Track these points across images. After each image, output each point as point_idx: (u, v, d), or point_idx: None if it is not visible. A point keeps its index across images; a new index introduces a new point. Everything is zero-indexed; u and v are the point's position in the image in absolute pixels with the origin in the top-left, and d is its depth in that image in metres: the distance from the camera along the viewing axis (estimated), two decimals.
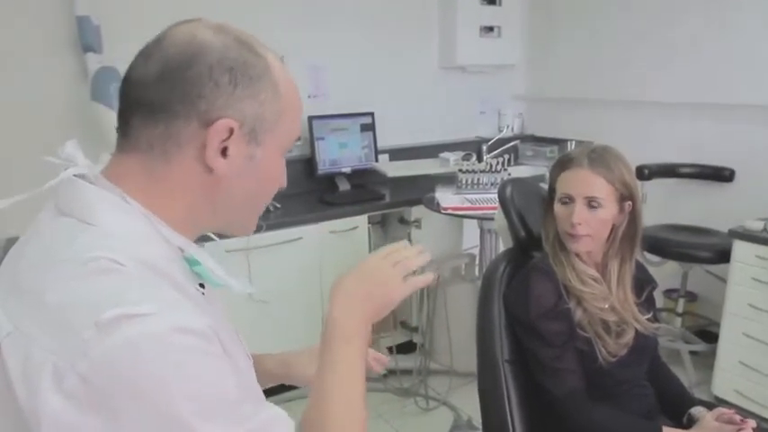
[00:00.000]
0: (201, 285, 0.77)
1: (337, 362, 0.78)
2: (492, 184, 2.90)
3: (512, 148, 3.46)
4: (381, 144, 3.42)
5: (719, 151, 3.10)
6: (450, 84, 3.84)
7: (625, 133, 3.48)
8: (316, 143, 3.18)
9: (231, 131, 0.70)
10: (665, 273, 2.93)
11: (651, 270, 1.66)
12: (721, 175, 3.09)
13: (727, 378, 2.68)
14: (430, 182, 3.13)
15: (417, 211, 3.09)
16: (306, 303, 2.83)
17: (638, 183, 1.51)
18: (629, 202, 1.46)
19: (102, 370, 0.55)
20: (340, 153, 3.28)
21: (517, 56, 3.93)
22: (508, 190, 1.70)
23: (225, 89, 0.69)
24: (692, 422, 1.48)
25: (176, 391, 0.56)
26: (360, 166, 3.34)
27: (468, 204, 2.74)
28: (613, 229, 1.49)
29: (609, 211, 1.44)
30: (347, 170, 3.30)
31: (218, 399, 0.60)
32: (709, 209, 3.15)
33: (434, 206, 2.78)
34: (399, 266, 0.85)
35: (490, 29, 3.72)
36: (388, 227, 3.37)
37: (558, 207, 1.50)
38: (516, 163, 3.79)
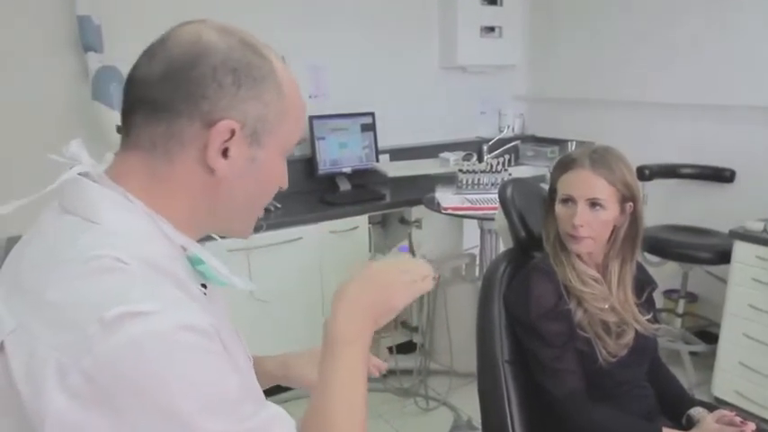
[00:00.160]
0: (203, 285, 0.77)
1: (339, 365, 0.78)
2: (492, 185, 2.90)
3: (512, 148, 3.46)
4: (382, 144, 3.42)
5: (720, 152, 3.10)
6: (451, 84, 3.84)
7: (626, 134, 3.48)
8: (316, 143, 3.18)
9: (233, 132, 0.70)
10: (666, 273, 2.93)
11: (651, 270, 1.66)
12: (722, 176, 3.09)
13: (727, 379, 2.68)
14: (430, 182, 3.13)
15: (418, 212, 3.09)
16: (306, 303, 2.83)
17: (639, 183, 1.51)
18: (631, 203, 1.46)
19: (106, 368, 0.55)
20: (340, 153, 3.28)
21: (518, 56, 3.93)
22: (509, 190, 1.70)
23: (228, 90, 0.69)
24: (691, 423, 1.48)
25: (178, 389, 0.57)
26: (360, 166, 3.34)
27: (469, 204, 2.74)
28: (614, 230, 1.48)
29: (610, 212, 1.44)
30: (348, 170, 3.30)
31: (220, 397, 0.60)
32: (709, 209, 3.15)
33: (435, 206, 2.78)
34: (403, 274, 0.85)
35: (491, 29, 3.72)
36: (388, 227, 3.37)
37: (559, 208, 1.50)
38: (517, 163, 3.79)
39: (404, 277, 0.85)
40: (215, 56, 0.69)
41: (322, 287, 2.86)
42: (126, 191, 0.69)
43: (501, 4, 3.70)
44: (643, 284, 1.58)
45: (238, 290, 0.80)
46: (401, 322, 3.33)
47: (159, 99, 0.68)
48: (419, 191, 3.09)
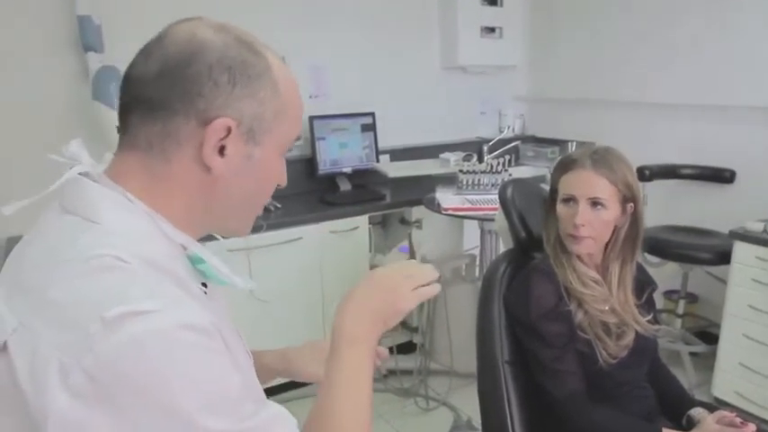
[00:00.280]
0: (204, 284, 0.77)
1: (345, 365, 0.78)
2: (493, 185, 2.90)
3: (513, 148, 3.46)
4: (382, 144, 3.42)
5: (720, 152, 3.10)
6: (452, 84, 3.84)
7: (626, 134, 3.48)
8: (316, 143, 3.18)
9: (229, 130, 0.70)
10: (666, 274, 2.93)
11: (651, 271, 1.66)
12: (722, 177, 3.09)
13: (728, 379, 2.68)
14: (431, 182, 3.13)
15: (418, 212, 3.09)
16: (306, 303, 2.83)
17: (640, 184, 1.51)
18: (631, 204, 1.46)
19: (107, 367, 0.55)
20: (341, 153, 3.28)
21: (518, 57, 3.93)
22: (509, 191, 1.70)
23: (224, 88, 0.69)
24: (691, 424, 1.48)
25: (179, 387, 0.57)
26: (360, 166, 3.34)
27: (469, 205, 2.73)
28: (615, 230, 1.48)
29: (612, 212, 1.44)
30: (348, 170, 3.30)
31: (221, 395, 0.60)
32: (709, 210, 3.15)
33: (435, 207, 2.78)
34: (409, 278, 0.86)
35: (491, 29, 3.72)
36: (388, 227, 3.37)
37: (560, 208, 1.50)
38: (517, 164, 3.79)
39: (409, 282, 0.85)
40: (210, 54, 0.69)
41: (322, 287, 2.86)
42: (126, 191, 0.69)
43: (501, 5, 3.71)
44: (643, 285, 1.58)
45: (239, 289, 0.80)
46: (401, 322, 3.32)
47: (155, 97, 0.69)
48: (419, 191, 3.09)
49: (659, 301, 3.30)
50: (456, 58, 3.65)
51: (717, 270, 2.97)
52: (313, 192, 3.21)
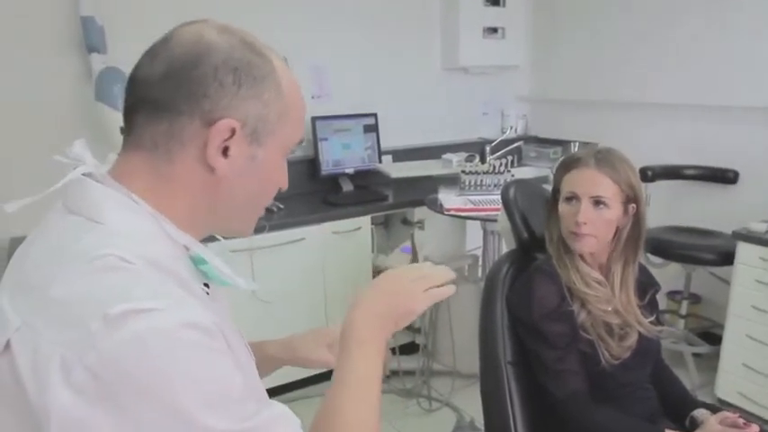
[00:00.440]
0: (206, 285, 0.78)
1: (354, 366, 0.78)
2: (495, 186, 2.90)
3: (515, 149, 3.46)
4: (384, 145, 3.42)
5: (723, 153, 3.09)
6: (454, 85, 3.84)
7: (629, 135, 3.48)
8: (319, 144, 3.18)
9: (233, 131, 0.70)
10: (669, 275, 2.93)
11: (654, 272, 1.66)
12: (725, 177, 3.08)
13: (731, 380, 2.67)
14: (433, 183, 3.13)
15: (420, 213, 3.09)
16: (309, 304, 2.83)
17: (642, 185, 1.51)
18: (634, 205, 1.46)
19: (110, 364, 0.55)
20: (343, 154, 3.28)
21: (521, 57, 3.93)
22: (511, 191, 1.70)
23: (229, 89, 0.70)
24: (694, 425, 1.48)
25: (181, 386, 0.57)
26: (363, 166, 3.34)
27: (472, 206, 2.73)
28: (617, 231, 1.48)
29: (614, 211, 1.44)
30: (350, 171, 3.30)
31: (222, 394, 0.60)
32: (712, 211, 3.15)
33: (437, 207, 2.78)
34: (422, 279, 0.86)
35: (494, 30, 3.72)
36: (391, 228, 3.37)
37: (562, 206, 1.50)
38: (519, 164, 3.79)
39: (422, 282, 0.85)
40: (216, 55, 0.70)
41: (325, 288, 2.86)
42: (131, 191, 0.70)
43: (503, 5, 3.70)
44: (646, 286, 1.57)
45: (241, 290, 0.80)
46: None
47: (161, 98, 0.69)
48: (422, 192, 3.09)
49: (662, 302, 3.30)
50: (458, 58, 3.64)
51: (720, 271, 2.96)
52: (315, 192, 3.21)
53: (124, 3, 2.66)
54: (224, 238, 0.91)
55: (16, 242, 0.73)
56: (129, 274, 0.61)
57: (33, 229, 0.72)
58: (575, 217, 1.45)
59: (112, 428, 0.55)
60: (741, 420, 1.39)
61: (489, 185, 2.92)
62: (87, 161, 0.71)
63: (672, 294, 3.32)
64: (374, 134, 3.37)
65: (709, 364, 2.93)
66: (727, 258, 2.66)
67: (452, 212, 2.69)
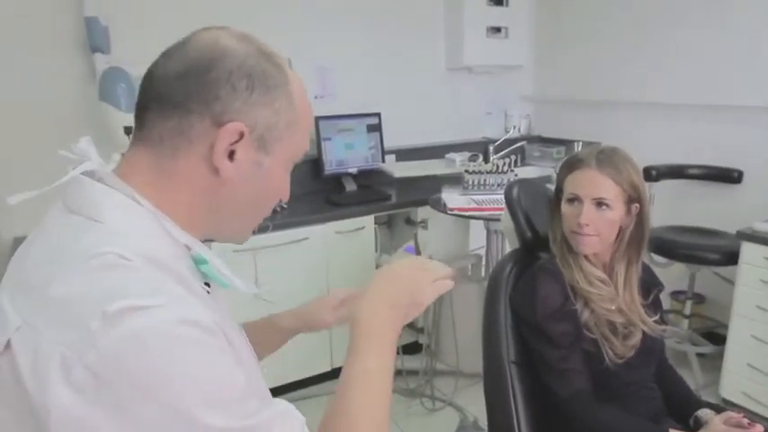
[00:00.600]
0: (207, 284, 0.78)
1: (362, 358, 0.78)
2: (498, 185, 2.90)
3: (518, 148, 3.46)
4: (388, 144, 3.42)
5: (727, 152, 3.08)
6: (457, 84, 3.84)
7: (632, 134, 3.48)
8: (322, 143, 3.18)
9: (241, 135, 0.71)
10: (673, 274, 2.92)
11: (658, 271, 1.66)
12: (729, 177, 3.07)
13: (735, 380, 2.67)
14: (436, 182, 3.13)
15: (424, 212, 3.09)
16: None
17: (646, 185, 1.50)
18: (637, 205, 1.46)
19: (109, 362, 0.55)
20: (346, 153, 3.28)
21: (524, 57, 3.93)
22: (515, 191, 1.70)
23: (241, 93, 0.70)
24: (698, 424, 1.48)
25: (181, 384, 0.57)
26: (366, 166, 3.34)
27: (475, 205, 2.73)
28: (620, 231, 1.48)
29: (616, 212, 1.44)
30: (354, 171, 3.30)
31: (223, 392, 0.60)
32: (716, 210, 3.14)
33: (441, 207, 2.78)
34: (426, 271, 0.87)
35: (497, 29, 3.72)
36: (394, 227, 3.37)
37: (565, 207, 1.50)
38: (523, 164, 3.79)
39: (427, 275, 0.87)
40: (232, 60, 0.70)
41: (328, 287, 2.86)
42: (133, 188, 0.70)
43: (507, 5, 3.70)
44: (650, 286, 1.57)
45: (240, 292, 0.80)
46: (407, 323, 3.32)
47: (173, 96, 0.70)
48: (425, 191, 3.09)
49: (666, 302, 3.29)
50: (462, 58, 3.64)
51: (724, 271, 2.96)
52: (319, 192, 3.21)
53: (128, 3, 2.67)
54: (219, 243, 0.91)
55: (19, 242, 0.73)
56: (127, 272, 0.61)
57: (34, 229, 0.73)
58: (577, 218, 1.45)
59: (112, 427, 0.55)
60: (745, 420, 1.39)
61: (492, 185, 2.92)
62: (92, 158, 0.71)
63: (676, 294, 3.31)
64: (377, 134, 3.37)
65: (713, 364, 2.93)
66: (732, 258, 2.65)
67: (456, 212, 2.69)
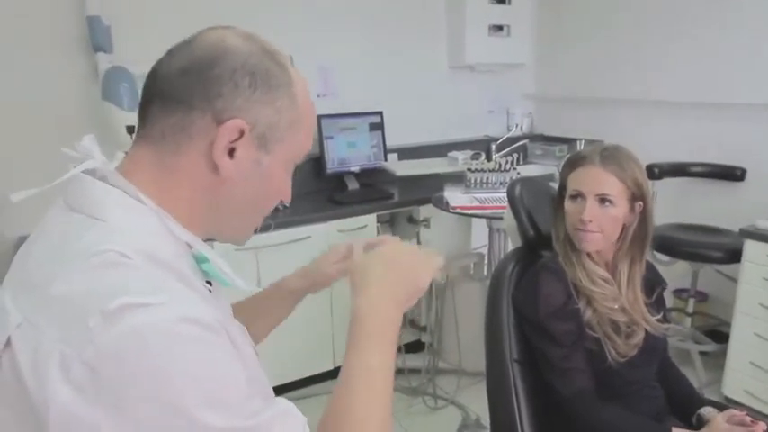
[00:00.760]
0: (209, 283, 0.77)
1: (361, 359, 0.77)
2: (501, 184, 2.90)
3: (521, 147, 3.46)
4: (390, 143, 3.42)
5: (730, 150, 3.08)
6: (459, 83, 3.84)
7: (635, 132, 3.47)
8: (324, 142, 3.18)
9: (242, 133, 0.71)
10: (675, 272, 2.91)
11: (661, 269, 1.66)
12: (732, 175, 3.07)
13: (738, 378, 2.66)
14: (439, 181, 3.13)
15: (426, 211, 3.09)
16: (314, 302, 2.82)
17: (649, 183, 1.50)
18: (640, 203, 1.46)
19: (108, 359, 0.55)
20: (349, 152, 3.28)
21: (526, 55, 3.92)
22: (517, 189, 1.70)
23: (243, 91, 0.70)
24: (701, 423, 1.48)
25: (181, 382, 0.56)
26: (368, 165, 3.34)
27: (477, 204, 2.73)
28: (624, 229, 1.48)
29: (620, 209, 1.44)
30: (356, 169, 3.30)
31: (224, 391, 0.59)
32: (719, 208, 3.13)
33: (443, 205, 2.77)
34: (424, 255, 0.89)
35: (499, 28, 3.71)
36: (396, 226, 3.37)
37: (568, 204, 1.50)
38: (525, 162, 3.78)
39: (424, 258, 0.88)
40: (235, 58, 0.71)
41: (330, 286, 2.86)
42: (136, 186, 0.70)
43: (509, 3, 3.70)
44: (653, 284, 1.57)
45: (241, 290, 0.80)
46: (409, 321, 3.33)
47: (176, 92, 0.70)
48: (427, 190, 3.09)
49: (669, 300, 3.28)
50: (464, 56, 3.64)
51: (727, 268, 2.95)
52: (321, 191, 3.21)
53: (130, 3, 2.67)
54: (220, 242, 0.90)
55: (23, 241, 0.73)
56: (128, 270, 0.61)
57: (36, 227, 0.73)
58: (580, 214, 1.45)
59: (112, 425, 0.55)
60: (748, 418, 1.38)
61: (495, 183, 2.92)
62: (95, 156, 0.71)
63: (678, 292, 3.31)
64: (380, 132, 3.36)
65: (716, 362, 2.92)
66: (735, 256, 2.65)
67: (458, 210, 2.69)
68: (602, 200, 1.43)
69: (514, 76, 4.04)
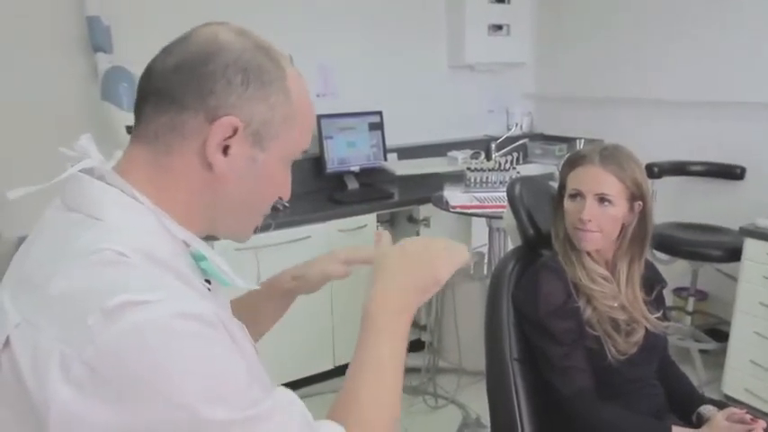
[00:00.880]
0: (208, 282, 0.77)
1: (372, 349, 0.77)
2: (501, 183, 2.89)
3: (521, 146, 3.45)
4: (390, 143, 3.42)
5: (730, 149, 3.08)
6: (459, 82, 3.84)
7: (634, 131, 3.47)
8: (324, 142, 3.19)
9: (235, 130, 0.70)
10: (675, 271, 2.92)
11: (661, 268, 1.66)
12: (732, 173, 3.07)
13: (738, 377, 2.66)
14: (438, 180, 3.12)
15: (426, 210, 3.09)
16: (314, 302, 2.82)
17: (649, 182, 1.50)
18: (640, 202, 1.46)
19: (108, 357, 0.55)
20: (348, 152, 3.28)
21: (526, 54, 3.92)
22: (517, 188, 1.70)
23: (236, 88, 0.70)
24: (701, 421, 1.48)
25: (181, 378, 0.56)
26: (368, 164, 3.34)
27: (477, 203, 2.73)
28: (623, 228, 1.48)
29: (619, 209, 1.44)
30: (356, 169, 3.30)
31: (224, 386, 0.59)
32: (719, 207, 3.13)
33: (443, 205, 2.78)
34: (443, 249, 0.87)
35: (499, 27, 3.71)
36: (396, 225, 3.37)
37: (567, 203, 1.50)
38: (525, 161, 3.78)
39: (444, 251, 0.87)
40: (228, 55, 0.70)
41: (330, 286, 2.84)
42: (132, 185, 0.70)
43: (509, 2, 3.70)
44: (653, 283, 1.57)
45: (239, 289, 0.79)
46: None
47: (169, 90, 0.70)
48: (427, 189, 3.09)
49: (668, 299, 3.29)
50: (463, 56, 3.64)
51: (727, 267, 2.95)
52: (321, 190, 3.21)
53: (130, 3, 2.67)
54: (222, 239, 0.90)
55: (23, 241, 0.73)
56: (126, 268, 0.61)
57: (34, 227, 0.73)
58: (579, 214, 1.45)
59: (113, 423, 0.55)
60: (748, 416, 1.38)
61: (495, 182, 2.92)
62: (92, 155, 0.71)
63: (678, 291, 3.31)
64: (379, 132, 3.37)
65: (715, 360, 2.92)
66: (734, 255, 2.65)
67: (458, 210, 2.69)
68: (602, 199, 1.43)
69: (514, 75, 4.04)
